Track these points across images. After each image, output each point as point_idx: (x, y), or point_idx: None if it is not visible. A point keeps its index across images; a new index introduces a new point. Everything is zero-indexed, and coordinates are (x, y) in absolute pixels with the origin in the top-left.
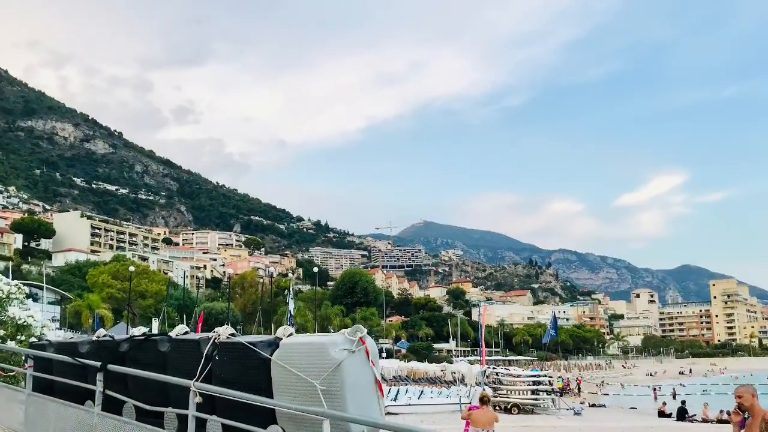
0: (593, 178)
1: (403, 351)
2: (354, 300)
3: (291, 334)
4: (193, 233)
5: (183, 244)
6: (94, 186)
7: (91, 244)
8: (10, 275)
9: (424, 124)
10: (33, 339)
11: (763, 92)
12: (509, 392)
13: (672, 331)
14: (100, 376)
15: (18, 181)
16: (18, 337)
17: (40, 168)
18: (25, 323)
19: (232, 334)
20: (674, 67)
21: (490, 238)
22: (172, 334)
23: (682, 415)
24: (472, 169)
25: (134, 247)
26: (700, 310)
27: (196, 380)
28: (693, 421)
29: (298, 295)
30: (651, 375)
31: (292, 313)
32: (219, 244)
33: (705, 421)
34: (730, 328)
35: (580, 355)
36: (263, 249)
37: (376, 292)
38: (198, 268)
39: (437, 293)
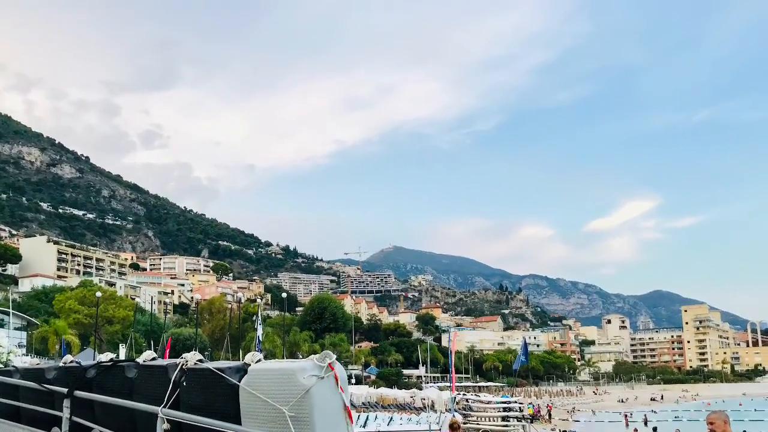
0: (564, 203)
1: (373, 377)
2: (323, 326)
3: (259, 360)
4: (160, 258)
5: (150, 270)
6: (60, 211)
7: (58, 269)
8: None
9: (393, 149)
10: None
11: (735, 117)
12: (479, 418)
13: (643, 356)
14: (66, 403)
15: None
16: None
17: (6, 193)
18: None
19: (200, 360)
20: (646, 91)
21: (460, 264)
22: (140, 360)
23: None
24: (442, 194)
25: (101, 272)
26: (672, 336)
27: (164, 407)
28: None
29: (267, 320)
30: (622, 401)
31: (261, 338)
32: (187, 270)
33: None
34: (701, 353)
35: (550, 381)
36: (231, 274)
37: (345, 318)
38: (165, 293)
39: (407, 319)
